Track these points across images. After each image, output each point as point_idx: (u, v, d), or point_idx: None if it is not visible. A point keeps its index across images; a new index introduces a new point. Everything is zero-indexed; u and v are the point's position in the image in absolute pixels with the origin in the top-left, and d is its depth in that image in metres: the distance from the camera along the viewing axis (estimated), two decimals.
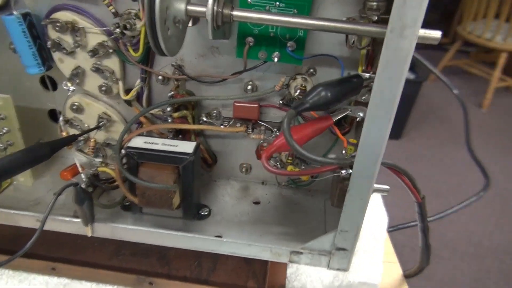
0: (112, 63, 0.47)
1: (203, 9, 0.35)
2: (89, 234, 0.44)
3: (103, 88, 0.48)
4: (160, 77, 0.48)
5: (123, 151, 0.44)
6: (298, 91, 0.45)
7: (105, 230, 0.45)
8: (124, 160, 0.45)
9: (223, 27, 0.41)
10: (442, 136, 2.11)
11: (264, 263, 0.54)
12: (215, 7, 0.34)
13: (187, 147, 0.45)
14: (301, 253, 0.43)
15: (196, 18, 0.42)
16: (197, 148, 0.45)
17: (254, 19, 0.36)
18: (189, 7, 0.35)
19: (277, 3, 0.40)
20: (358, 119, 0.41)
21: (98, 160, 0.52)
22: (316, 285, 0.52)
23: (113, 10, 0.42)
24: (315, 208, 0.52)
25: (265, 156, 0.38)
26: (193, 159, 0.44)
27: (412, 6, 0.28)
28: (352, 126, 0.48)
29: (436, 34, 0.32)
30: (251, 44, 0.42)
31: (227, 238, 0.44)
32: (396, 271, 0.57)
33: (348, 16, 0.41)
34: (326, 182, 0.54)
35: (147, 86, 0.49)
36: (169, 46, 0.36)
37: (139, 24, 0.43)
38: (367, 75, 0.38)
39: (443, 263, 1.41)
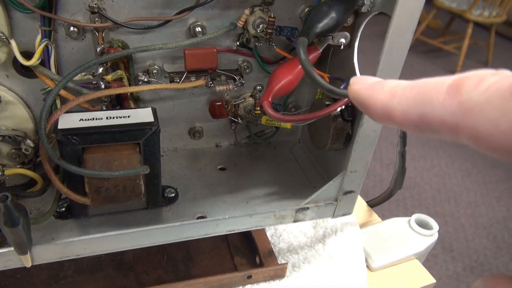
0: None
1: None
2: (29, 265, 0.31)
3: None
4: (73, 29, 0.35)
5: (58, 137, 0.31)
6: (262, 25, 0.38)
7: (50, 253, 0.32)
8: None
9: None
10: None
11: (240, 234, 0.47)
12: None
13: (143, 115, 0.34)
14: (307, 208, 0.38)
15: None
16: (155, 114, 0.35)
17: None
18: None
19: None
20: (341, 46, 0.37)
21: None
22: (302, 240, 0.48)
23: None
24: (285, 159, 0.47)
25: (268, 103, 0.31)
26: (157, 129, 0.33)
27: None
28: None
29: None
30: None
31: (214, 216, 0.36)
32: (359, 203, 0.57)
33: None
34: (286, 131, 0.49)
35: (54, 43, 0.35)
36: None
37: None
38: None
39: None
